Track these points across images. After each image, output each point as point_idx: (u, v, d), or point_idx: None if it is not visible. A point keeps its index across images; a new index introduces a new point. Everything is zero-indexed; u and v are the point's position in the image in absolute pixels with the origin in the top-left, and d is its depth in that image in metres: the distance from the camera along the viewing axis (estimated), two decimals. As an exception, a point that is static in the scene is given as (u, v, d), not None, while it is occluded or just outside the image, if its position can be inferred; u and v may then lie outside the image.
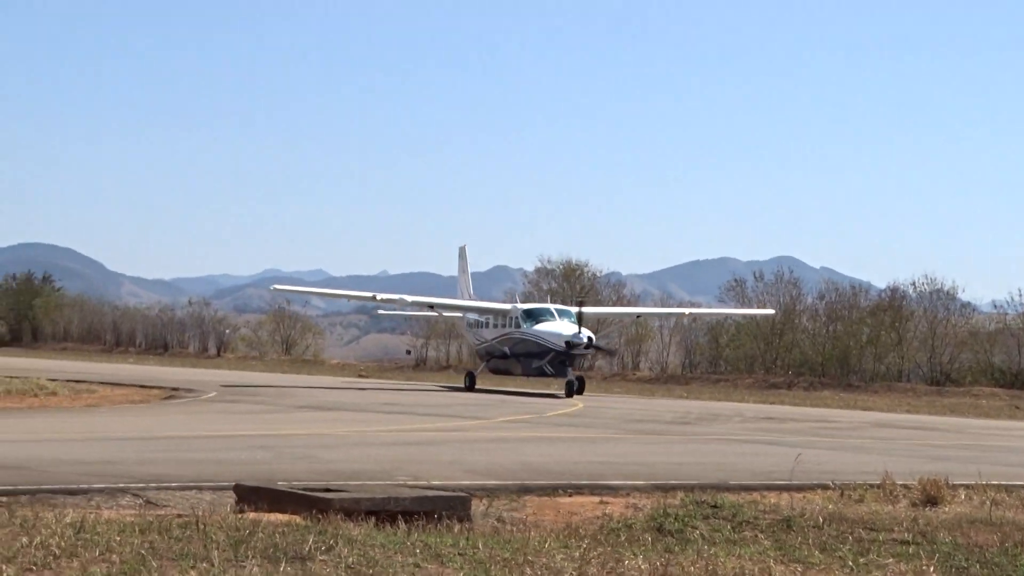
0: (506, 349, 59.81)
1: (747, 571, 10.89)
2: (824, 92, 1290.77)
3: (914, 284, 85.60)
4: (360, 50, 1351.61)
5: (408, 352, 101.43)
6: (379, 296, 65.96)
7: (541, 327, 57.65)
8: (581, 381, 58.05)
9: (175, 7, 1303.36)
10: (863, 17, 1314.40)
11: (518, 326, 59.10)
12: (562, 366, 56.82)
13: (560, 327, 57.12)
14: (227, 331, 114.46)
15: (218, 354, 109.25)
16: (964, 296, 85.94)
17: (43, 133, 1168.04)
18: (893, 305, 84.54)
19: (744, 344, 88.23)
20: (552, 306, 61.10)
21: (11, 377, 46.87)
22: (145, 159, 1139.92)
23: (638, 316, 79.05)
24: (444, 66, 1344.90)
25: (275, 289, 73.14)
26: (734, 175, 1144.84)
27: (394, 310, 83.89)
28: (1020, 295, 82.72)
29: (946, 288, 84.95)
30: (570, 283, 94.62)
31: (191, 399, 43.44)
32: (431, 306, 67.01)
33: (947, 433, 38.88)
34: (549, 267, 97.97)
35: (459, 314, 69.08)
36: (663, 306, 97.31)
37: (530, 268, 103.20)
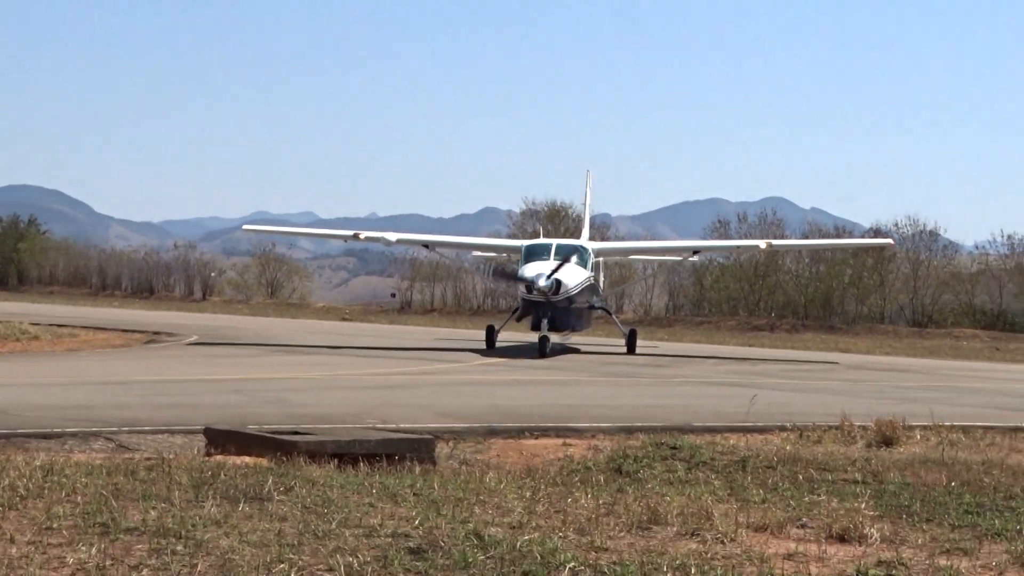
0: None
1: (687, 509, 11.24)
2: (815, 36, 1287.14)
3: (897, 224, 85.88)
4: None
5: (392, 295, 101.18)
6: (363, 235, 56.91)
7: (523, 268, 44.98)
8: (632, 334, 48.48)
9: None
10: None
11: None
12: (537, 317, 43.65)
13: (531, 268, 44.12)
14: (213, 274, 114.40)
15: (204, 298, 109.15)
16: (946, 236, 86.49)
17: (32, 74, 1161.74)
18: (875, 246, 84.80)
19: (728, 286, 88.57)
20: (556, 241, 47.89)
21: (-6, 322, 46.88)
22: (135, 101, 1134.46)
23: (695, 252, 60.63)
24: (426, 12, 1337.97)
25: (246, 230, 70.86)
26: (726, 115, 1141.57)
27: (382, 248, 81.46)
28: (1002, 236, 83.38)
29: (928, 229, 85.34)
30: (555, 224, 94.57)
31: (172, 343, 43.70)
32: (426, 244, 59.38)
33: (919, 374, 39.31)
34: (534, 208, 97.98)
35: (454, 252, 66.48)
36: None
37: (517, 210, 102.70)
